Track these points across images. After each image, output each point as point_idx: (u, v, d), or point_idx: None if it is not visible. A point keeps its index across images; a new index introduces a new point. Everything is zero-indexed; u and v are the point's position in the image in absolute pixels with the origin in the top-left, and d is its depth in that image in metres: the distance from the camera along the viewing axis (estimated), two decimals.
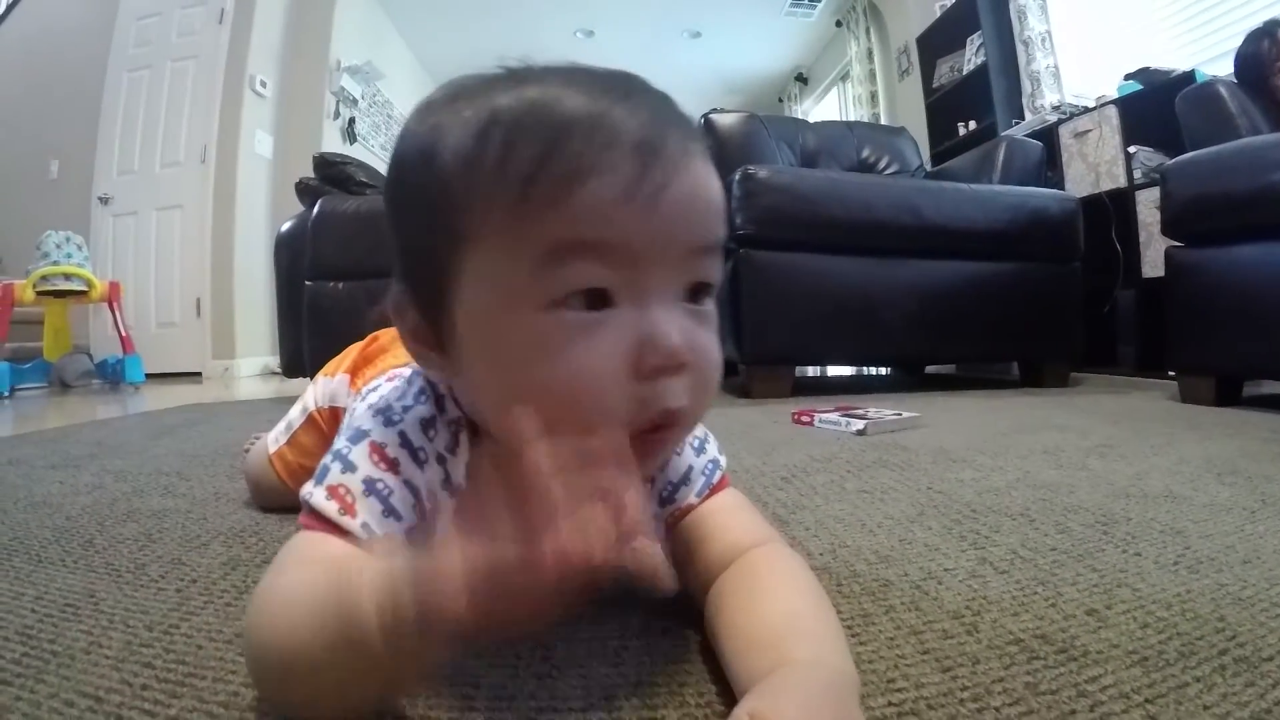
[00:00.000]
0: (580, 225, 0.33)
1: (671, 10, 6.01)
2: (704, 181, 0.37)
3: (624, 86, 0.37)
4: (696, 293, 0.38)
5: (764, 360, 2.06)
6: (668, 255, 0.35)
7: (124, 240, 4.31)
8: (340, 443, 0.41)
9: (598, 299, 0.34)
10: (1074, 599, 0.48)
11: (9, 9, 4.83)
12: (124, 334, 3.48)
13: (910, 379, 2.75)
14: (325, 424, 0.72)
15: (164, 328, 4.23)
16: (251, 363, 4.28)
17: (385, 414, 0.42)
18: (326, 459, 0.41)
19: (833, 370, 3.29)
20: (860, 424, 1.29)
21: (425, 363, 0.42)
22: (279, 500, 0.77)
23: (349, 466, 0.39)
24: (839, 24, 5.90)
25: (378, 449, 0.40)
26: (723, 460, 0.50)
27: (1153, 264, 2.55)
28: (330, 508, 0.38)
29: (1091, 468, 0.94)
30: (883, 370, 3.10)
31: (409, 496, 0.39)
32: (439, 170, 0.36)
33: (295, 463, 0.74)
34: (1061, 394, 2.00)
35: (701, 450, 0.49)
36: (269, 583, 0.35)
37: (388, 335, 0.70)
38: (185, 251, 4.20)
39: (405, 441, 0.41)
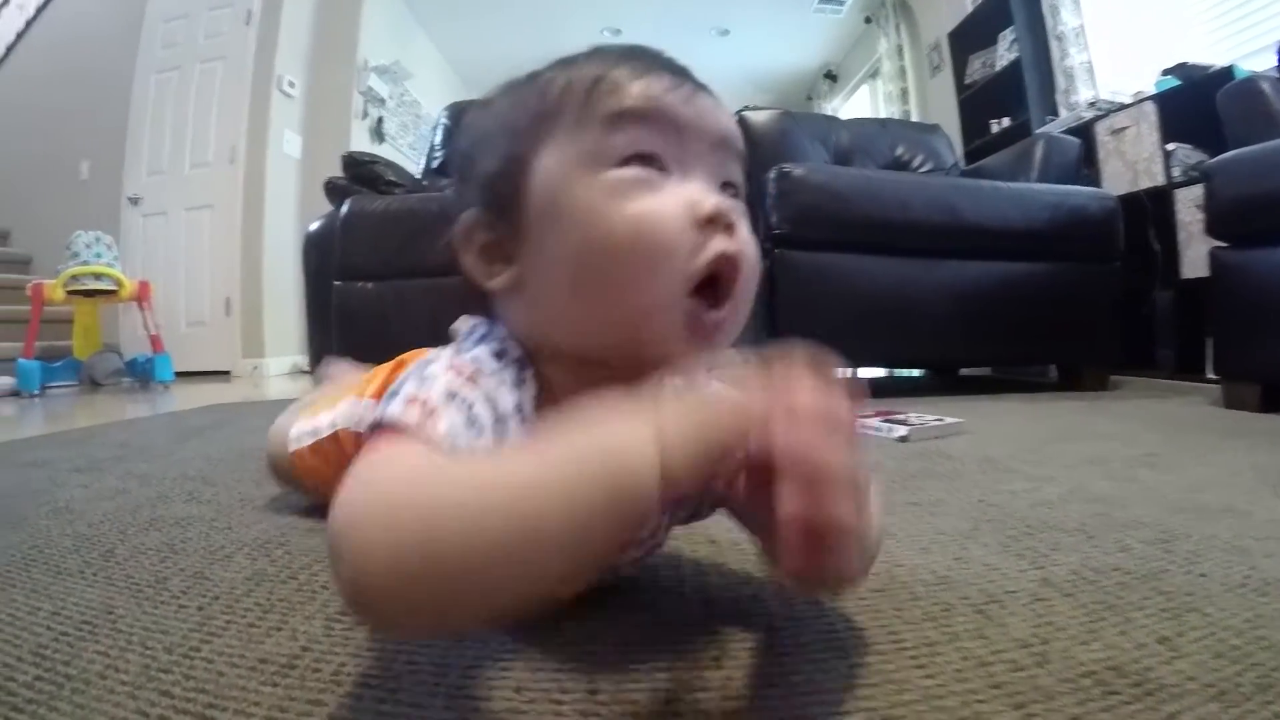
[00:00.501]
0: (633, 102, 0.40)
1: (699, 8, 5.98)
2: (722, 108, 0.44)
3: (661, 54, 0.45)
4: (729, 191, 0.43)
5: None
6: (703, 136, 0.41)
7: (154, 240, 4.36)
8: (408, 375, 0.39)
9: (655, 161, 0.40)
10: (1144, 625, 0.45)
11: (37, 13, 4.91)
12: (153, 333, 3.51)
13: (945, 381, 2.69)
14: (349, 446, 0.69)
15: (194, 326, 4.27)
16: (280, 362, 4.31)
17: (454, 347, 0.43)
18: (395, 385, 0.38)
19: (864, 372, 3.24)
20: (903, 430, 1.26)
21: (490, 279, 0.44)
22: (292, 484, 0.78)
23: (426, 382, 0.37)
24: (868, 20, 5.84)
25: (455, 366, 0.39)
26: None
27: (1192, 264, 2.49)
28: (410, 415, 0.35)
29: (1142, 479, 0.90)
30: (915, 372, 3.04)
31: (489, 412, 0.38)
32: (522, 100, 0.44)
33: (313, 465, 0.71)
34: (1101, 398, 1.94)
35: None
36: (376, 493, 0.30)
37: (413, 356, 0.68)
38: (215, 251, 4.24)
39: (481, 362, 0.41)
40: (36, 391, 3.09)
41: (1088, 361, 2.21)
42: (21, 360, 3.12)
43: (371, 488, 0.31)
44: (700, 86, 0.43)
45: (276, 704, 0.37)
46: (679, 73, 0.42)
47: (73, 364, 3.47)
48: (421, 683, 0.40)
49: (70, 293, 3.33)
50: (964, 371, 2.90)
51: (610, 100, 0.40)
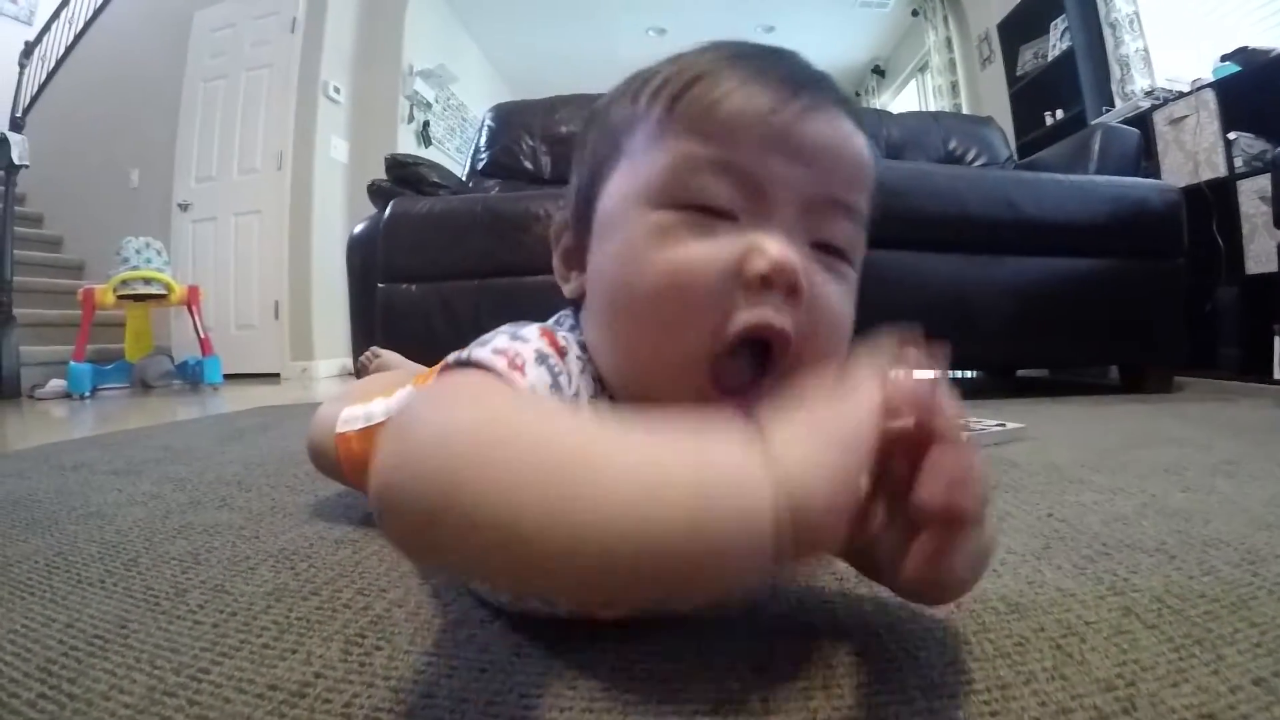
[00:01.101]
0: (713, 142, 0.35)
1: (743, 6, 5.96)
2: (844, 135, 0.37)
3: (786, 54, 0.39)
4: (826, 251, 0.37)
5: None
6: (793, 193, 0.35)
7: (204, 245, 4.46)
8: (498, 332, 0.39)
9: (721, 214, 0.35)
10: (1237, 664, 0.40)
11: (86, 26, 5.08)
12: (203, 336, 3.58)
13: (1001, 384, 2.60)
14: None
15: (243, 329, 4.35)
16: (329, 364, 4.37)
17: (550, 322, 0.44)
18: (482, 339, 0.38)
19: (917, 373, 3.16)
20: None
21: (565, 283, 0.45)
22: (332, 471, 0.74)
23: (517, 340, 0.37)
24: (915, 13, 5.73)
25: (549, 333, 0.40)
26: None
27: (1257, 259, 2.38)
28: (498, 362, 0.34)
29: (1221, 490, 0.83)
30: (969, 373, 2.96)
31: (570, 386, 0.38)
32: (622, 100, 0.41)
33: (360, 452, 0.67)
34: (1166, 401, 1.85)
35: None
36: (449, 419, 0.27)
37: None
38: (263, 255, 4.33)
39: (570, 344, 0.41)
40: (87, 394, 3.16)
41: (1151, 362, 2.12)
42: (73, 363, 3.19)
43: (442, 409, 0.28)
44: (820, 104, 0.36)
45: None
46: (795, 84, 0.36)
47: (124, 367, 3.56)
48: (435, 705, 0.37)
49: (121, 297, 3.41)
50: (1020, 373, 2.81)
51: (690, 130, 0.36)
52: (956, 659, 0.40)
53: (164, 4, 4.79)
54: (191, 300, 3.57)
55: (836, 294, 0.37)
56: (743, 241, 0.34)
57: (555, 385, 0.36)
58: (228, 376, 3.68)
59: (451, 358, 0.35)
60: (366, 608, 0.51)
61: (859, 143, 0.38)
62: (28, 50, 4.83)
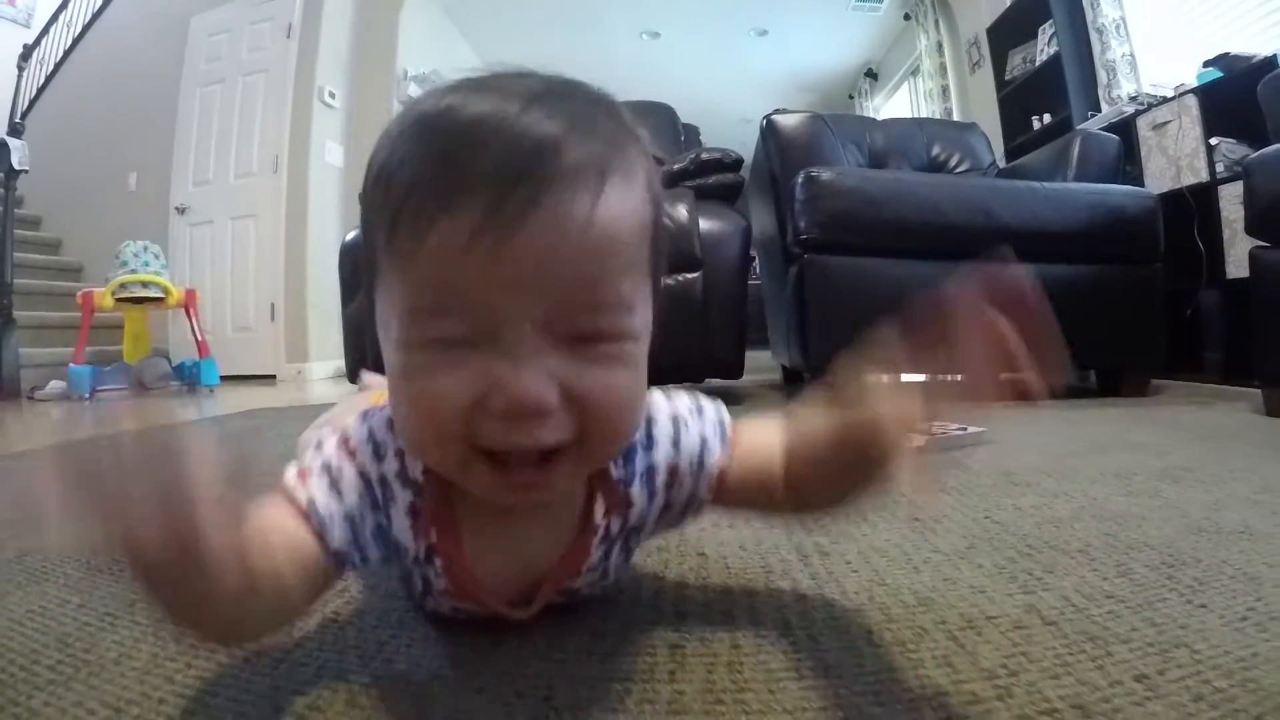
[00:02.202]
0: (428, 290, 0.34)
1: (736, 9, 5.99)
2: (572, 233, 0.33)
3: (543, 93, 0.35)
4: (590, 338, 0.35)
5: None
6: (523, 315, 0.33)
7: (201, 248, 4.51)
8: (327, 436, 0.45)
9: (462, 342, 0.34)
10: (1124, 660, 0.44)
11: (84, 30, 5.12)
12: (200, 338, 3.63)
13: None
14: None
15: (240, 332, 4.39)
16: (324, 366, 4.41)
17: (364, 415, 0.45)
18: (317, 438, 0.45)
19: (906, 376, 3.20)
20: (920, 440, 1.24)
21: None
22: None
23: (319, 451, 0.44)
24: (907, 17, 5.78)
25: (344, 441, 0.44)
26: (725, 413, 0.49)
27: (1238, 263, 2.42)
28: (290, 481, 0.42)
29: (1165, 495, 0.87)
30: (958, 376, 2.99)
31: (359, 484, 0.42)
32: (364, 190, 0.39)
33: None
34: (1140, 405, 1.89)
35: (701, 413, 0.48)
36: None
37: None
38: (259, 258, 4.38)
39: (370, 436, 0.43)
40: (87, 395, 3.20)
41: (1127, 367, 2.16)
42: (72, 365, 3.24)
43: None
44: (551, 186, 0.32)
45: (265, 692, 0.41)
46: (504, 185, 0.32)
47: (122, 368, 3.60)
48: (397, 677, 0.44)
49: (119, 300, 3.46)
50: (1004, 375, 2.84)
51: (409, 265, 0.34)
52: (854, 645, 0.46)
53: (161, 8, 4.84)
54: (189, 303, 3.62)
55: (603, 380, 0.35)
56: (485, 375, 0.34)
57: (333, 488, 0.42)
58: (224, 378, 3.73)
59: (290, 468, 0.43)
60: (343, 590, 0.57)
61: (600, 223, 0.34)
62: (26, 53, 4.86)
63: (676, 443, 0.46)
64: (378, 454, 0.43)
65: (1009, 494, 0.89)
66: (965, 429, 1.32)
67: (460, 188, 0.32)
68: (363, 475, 0.42)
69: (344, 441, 0.43)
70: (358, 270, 2.27)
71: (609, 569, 0.48)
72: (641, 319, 0.38)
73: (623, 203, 0.35)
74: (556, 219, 0.32)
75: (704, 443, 0.47)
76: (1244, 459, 1.09)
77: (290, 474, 0.42)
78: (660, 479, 0.46)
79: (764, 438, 0.48)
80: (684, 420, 0.47)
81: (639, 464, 0.46)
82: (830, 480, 0.44)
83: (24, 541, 0.76)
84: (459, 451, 0.36)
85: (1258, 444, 1.23)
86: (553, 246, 0.32)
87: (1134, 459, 1.11)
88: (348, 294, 2.33)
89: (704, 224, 2.00)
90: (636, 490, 0.46)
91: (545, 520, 0.44)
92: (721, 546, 0.67)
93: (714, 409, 0.49)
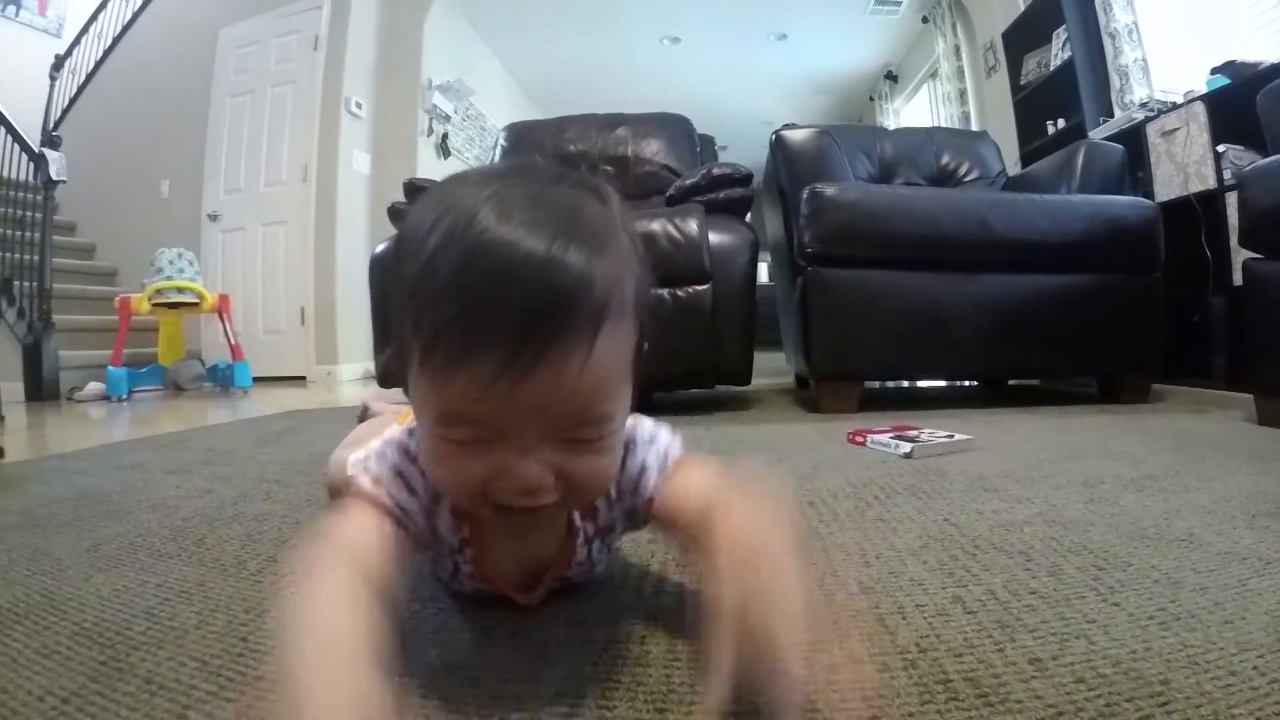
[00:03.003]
0: (455, 402, 0.43)
1: (756, 14, 6.06)
2: (568, 380, 0.41)
3: (556, 219, 0.42)
4: (581, 441, 0.45)
5: (833, 376, 2.10)
6: (529, 430, 0.43)
7: (232, 254, 4.66)
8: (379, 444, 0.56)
9: (479, 441, 0.44)
10: (1025, 646, 0.50)
11: (114, 42, 5.27)
12: (233, 342, 3.77)
13: (993, 392, 2.70)
14: None
15: (271, 335, 4.53)
16: (352, 368, 4.55)
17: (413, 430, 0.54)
18: (373, 448, 0.55)
19: (921, 382, 3.23)
20: (908, 446, 1.32)
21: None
22: None
23: (382, 459, 0.53)
24: (925, 20, 5.80)
25: (406, 449, 0.53)
26: (675, 448, 0.57)
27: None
28: (365, 484, 0.51)
29: (1122, 503, 0.92)
30: (970, 382, 3.02)
31: (423, 482, 0.52)
32: (398, 275, 0.46)
33: None
34: (1136, 412, 1.94)
35: (653, 441, 0.57)
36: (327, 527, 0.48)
37: None
38: (290, 264, 4.52)
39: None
40: (124, 396, 3.35)
41: (1127, 373, 2.20)
42: (110, 367, 3.39)
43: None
44: (540, 356, 0.40)
45: None
46: (519, 339, 0.40)
47: (157, 370, 3.75)
48: (428, 634, 0.55)
49: (156, 305, 3.61)
50: (1013, 382, 2.88)
51: (439, 386, 0.43)
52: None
53: (190, 20, 5.00)
54: (222, 308, 3.76)
55: (586, 464, 0.46)
56: (497, 464, 0.44)
57: (408, 487, 0.51)
58: (256, 379, 3.86)
59: (355, 467, 0.53)
60: None
61: (593, 369, 0.42)
62: (58, 63, 5.01)
63: (622, 464, 0.55)
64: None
65: (975, 499, 0.96)
66: (953, 436, 1.39)
67: (487, 329, 0.40)
68: (424, 476, 0.52)
69: (405, 449, 0.53)
70: (389, 280, 2.37)
71: (594, 562, 0.60)
72: (621, 414, 0.48)
73: (612, 339, 0.43)
74: (559, 368, 0.41)
75: (644, 469, 0.55)
76: (1215, 469, 1.12)
77: (365, 481, 0.51)
78: (612, 492, 0.56)
79: (695, 482, 0.55)
80: (635, 445, 0.56)
81: None
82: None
83: (97, 532, 0.87)
84: (475, 502, 0.47)
85: (1236, 453, 1.25)
86: (554, 386, 0.41)
87: (1107, 466, 1.16)
88: (378, 304, 2.43)
89: (714, 238, 2.08)
90: (599, 501, 0.56)
91: (543, 529, 0.55)
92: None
93: (666, 439, 0.57)
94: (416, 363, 0.44)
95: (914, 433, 1.43)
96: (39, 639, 0.55)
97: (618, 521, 0.58)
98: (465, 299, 0.41)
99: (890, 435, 1.41)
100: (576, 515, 0.55)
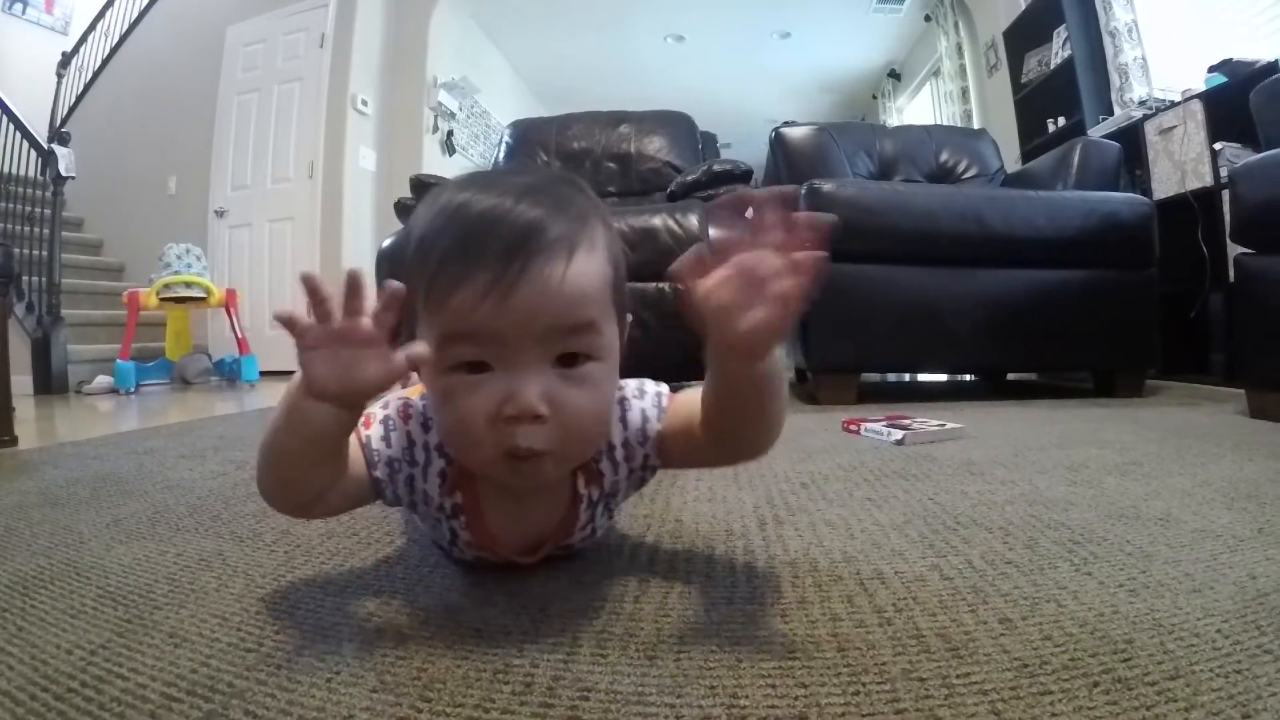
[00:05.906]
0: (453, 322, 0.48)
1: (759, 12, 6.07)
2: (552, 285, 0.48)
3: (530, 188, 0.51)
4: (571, 360, 0.50)
5: (830, 369, 2.14)
6: (525, 337, 0.48)
7: (239, 249, 4.70)
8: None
9: (479, 366, 0.49)
10: (997, 608, 0.53)
11: (121, 40, 5.28)
12: (240, 336, 3.80)
13: (991, 385, 2.73)
14: None
15: (277, 329, 4.52)
16: None
17: (421, 396, 0.60)
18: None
19: (921, 376, 3.28)
20: (900, 434, 1.35)
21: None
22: None
23: (384, 409, 0.59)
24: (928, 19, 5.81)
25: (404, 408, 0.59)
26: (664, 391, 0.63)
27: None
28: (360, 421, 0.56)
29: (1104, 486, 0.94)
30: (967, 376, 3.05)
31: (405, 441, 0.57)
32: (409, 251, 0.53)
33: None
34: (1129, 405, 1.97)
35: (644, 394, 0.62)
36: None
37: None
38: (296, 259, 4.53)
39: (424, 412, 0.58)
40: (132, 389, 3.38)
41: (1121, 368, 2.24)
42: (119, 361, 3.42)
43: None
44: (538, 257, 0.47)
45: (336, 607, 0.57)
46: (511, 251, 0.47)
47: (165, 364, 3.79)
48: (434, 596, 0.58)
49: (164, 299, 3.64)
50: (1011, 376, 2.92)
51: (438, 314, 0.49)
52: (778, 584, 0.59)
53: (197, 18, 5.01)
54: (229, 303, 3.80)
55: (577, 397, 0.50)
56: (499, 389, 0.48)
57: (385, 438, 0.57)
58: (263, 373, 3.89)
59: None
60: (390, 542, 0.74)
61: (578, 274, 0.49)
62: (65, 60, 5.03)
63: (623, 420, 0.60)
64: (425, 426, 0.58)
65: (961, 481, 1.00)
66: (943, 424, 1.43)
67: (474, 263, 0.47)
68: (410, 436, 0.57)
69: (404, 408, 0.58)
70: (395, 276, 2.41)
71: (595, 528, 0.64)
72: (608, 341, 0.53)
73: (586, 265, 0.50)
74: (539, 280, 0.47)
75: (644, 416, 0.60)
76: (1199, 456, 1.14)
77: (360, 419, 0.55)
78: (619, 453, 0.60)
79: (688, 400, 0.60)
80: (628, 401, 0.61)
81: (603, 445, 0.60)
82: (723, 403, 0.55)
83: (117, 510, 0.91)
84: (482, 453, 0.50)
85: (1222, 443, 1.27)
86: (539, 297, 0.47)
87: (1093, 453, 1.19)
88: None
89: (713, 234, 2.10)
90: (605, 465, 0.60)
91: (546, 496, 0.59)
92: (697, 516, 0.83)
93: (654, 389, 0.63)
94: (423, 307, 0.50)
95: (907, 421, 1.47)
96: (65, 601, 0.59)
97: (622, 485, 0.62)
98: (456, 237, 0.49)
99: (883, 424, 1.44)
100: (581, 483, 0.59)
